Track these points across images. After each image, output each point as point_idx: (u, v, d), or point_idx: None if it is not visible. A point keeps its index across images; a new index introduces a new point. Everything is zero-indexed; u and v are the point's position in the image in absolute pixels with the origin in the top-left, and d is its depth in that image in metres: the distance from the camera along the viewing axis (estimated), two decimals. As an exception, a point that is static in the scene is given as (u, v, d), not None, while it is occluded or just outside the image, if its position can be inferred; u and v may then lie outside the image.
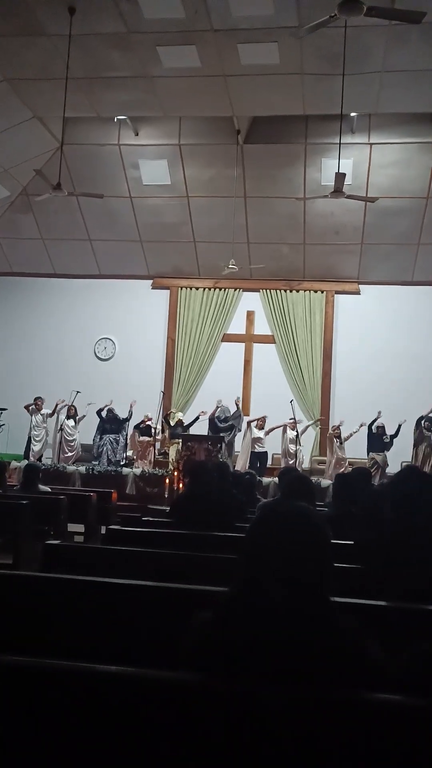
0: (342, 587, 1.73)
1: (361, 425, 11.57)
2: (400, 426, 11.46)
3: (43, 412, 12.10)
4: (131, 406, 11.99)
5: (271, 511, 1.53)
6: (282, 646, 1.34)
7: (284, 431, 11.72)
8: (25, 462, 10.77)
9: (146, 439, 11.94)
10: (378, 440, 11.51)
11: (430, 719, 1.25)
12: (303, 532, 1.44)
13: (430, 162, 11.69)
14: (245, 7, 7.92)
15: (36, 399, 12.15)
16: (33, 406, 12.10)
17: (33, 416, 12.10)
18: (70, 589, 2.41)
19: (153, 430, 11.99)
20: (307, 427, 12.29)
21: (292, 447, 11.56)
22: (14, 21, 8.48)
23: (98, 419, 12.09)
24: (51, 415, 12.08)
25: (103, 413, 12.03)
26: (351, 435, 11.64)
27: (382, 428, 11.52)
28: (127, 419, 12.05)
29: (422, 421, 11.44)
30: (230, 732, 1.27)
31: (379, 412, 11.58)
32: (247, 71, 9.19)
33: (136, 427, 12.06)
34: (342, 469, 11.29)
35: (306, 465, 12.01)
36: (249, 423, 12.00)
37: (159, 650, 1.64)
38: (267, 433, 11.87)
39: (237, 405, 12.26)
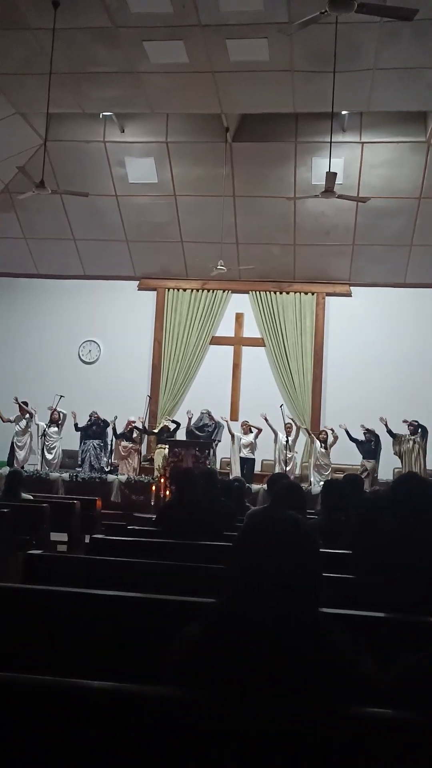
0: (332, 597, 1.74)
1: (333, 431, 11.65)
2: (372, 432, 11.49)
3: (26, 416, 12.04)
4: (112, 421, 11.94)
5: (260, 520, 1.53)
6: (271, 658, 1.34)
7: (276, 437, 11.71)
8: (7, 469, 10.71)
9: (129, 444, 11.90)
10: (366, 447, 11.57)
11: (420, 733, 1.26)
12: (293, 542, 1.45)
13: (423, 161, 11.78)
14: (234, 2, 7.95)
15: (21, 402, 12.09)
16: (18, 415, 12.03)
17: (16, 423, 12.04)
18: (52, 601, 2.40)
19: (136, 434, 11.93)
20: (299, 428, 12.17)
21: (285, 453, 11.56)
22: (-4, 14, 8.47)
23: (85, 427, 12.06)
24: (31, 418, 12.01)
25: (80, 424, 11.96)
26: (335, 440, 11.65)
27: (369, 433, 11.55)
28: (108, 426, 11.99)
29: (394, 434, 11.44)
30: (220, 747, 1.27)
31: (342, 425, 11.60)
32: (236, 68, 9.22)
33: (121, 435, 11.96)
34: (327, 475, 11.34)
35: (297, 471, 12.02)
36: (233, 435, 11.98)
37: (145, 664, 1.64)
38: (257, 435, 11.82)
39: (211, 416, 12.09)
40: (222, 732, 1.27)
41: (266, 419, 11.63)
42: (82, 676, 1.38)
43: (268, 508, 1.85)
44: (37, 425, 11.92)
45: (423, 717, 1.27)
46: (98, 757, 1.31)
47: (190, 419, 11.97)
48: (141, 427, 12.09)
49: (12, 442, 12.15)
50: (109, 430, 11.99)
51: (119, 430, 11.96)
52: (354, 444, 11.60)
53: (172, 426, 12.15)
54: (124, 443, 11.85)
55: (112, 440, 12.08)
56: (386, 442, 11.59)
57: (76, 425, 11.96)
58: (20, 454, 12.04)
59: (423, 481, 2.81)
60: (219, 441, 11.89)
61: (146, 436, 12.40)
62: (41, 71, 9.09)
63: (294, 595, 1.40)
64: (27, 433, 12.06)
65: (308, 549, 1.46)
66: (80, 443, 12.05)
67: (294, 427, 11.96)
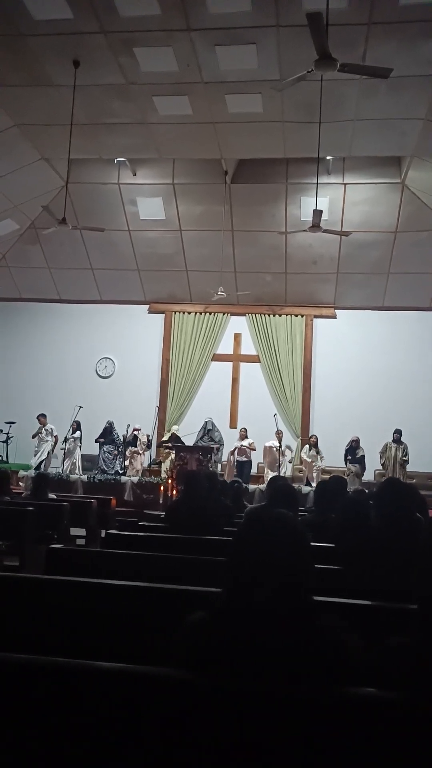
0: (322, 587, 1.71)
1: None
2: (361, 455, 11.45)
3: (47, 427, 11.99)
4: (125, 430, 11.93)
5: (257, 518, 1.51)
6: (268, 644, 1.32)
7: (278, 450, 11.73)
8: (33, 471, 10.66)
9: (134, 449, 11.94)
10: (352, 453, 11.53)
11: (403, 711, 1.23)
12: (285, 536, 1.43)
13: (398, 200, 11.83)
14: (232, 61, 8.01)
15: (39, 416, 12.05)
16: (42, 429, 12.00)
17: (39, 430, 11.99)
18: (71, 591, 2.37)
19: (138, 441, 11.98)
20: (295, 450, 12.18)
21: (278, 457, 11.54)
22: (25, 73, 8.55)
23: (99, 435, 12.05)
24: (52, 434, 11.98)
25: (100, 438, 11.99)
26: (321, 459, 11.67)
27: (356, 442, 11.51)
28: (111, 432, 12.02)
29: (384, 451, 11.37)
30: (220, 725, 1.24)
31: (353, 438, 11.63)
32: (233, 119, 9.28)
33: (127, 443, 12.00)
34: (315, 474, 11.33)
35: (288, 473, 11.98)
36: (236, 448, 11.96)
37: (154, 648, 1.61)
38: (250, 445, 11.82)
39: (211, 436, 12.18)
40: (223, 710, 1.25)
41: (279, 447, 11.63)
42: (98, 658, 1.36)
43: (264, 506, 1.83)
44: (56, 436, 11.92)
45: (404, 696, 1.25)
46: (111, 730, 1.29)
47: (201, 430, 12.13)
48: (150, 440, 12.18)
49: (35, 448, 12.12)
50: (118, 434, 12.02)
51: (128, 438, 12.01)
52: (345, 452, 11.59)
53: (181, 434, 12.19)
54: (131, 448, 11.91)
55: (121, 446, 12.10)
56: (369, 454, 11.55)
57: (97, 440, 11.96)
58: (41, 458, 11.99)
59: (404, 487, 2.76)
60: (222, 444, 11.95)
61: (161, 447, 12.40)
62: (63, 122, 9.16)
63: (287, 585, 1.37)
64: (46, 440, 12.00)
65: (299, 543, 1.44)
66: (99, 450, 12.03)
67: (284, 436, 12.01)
